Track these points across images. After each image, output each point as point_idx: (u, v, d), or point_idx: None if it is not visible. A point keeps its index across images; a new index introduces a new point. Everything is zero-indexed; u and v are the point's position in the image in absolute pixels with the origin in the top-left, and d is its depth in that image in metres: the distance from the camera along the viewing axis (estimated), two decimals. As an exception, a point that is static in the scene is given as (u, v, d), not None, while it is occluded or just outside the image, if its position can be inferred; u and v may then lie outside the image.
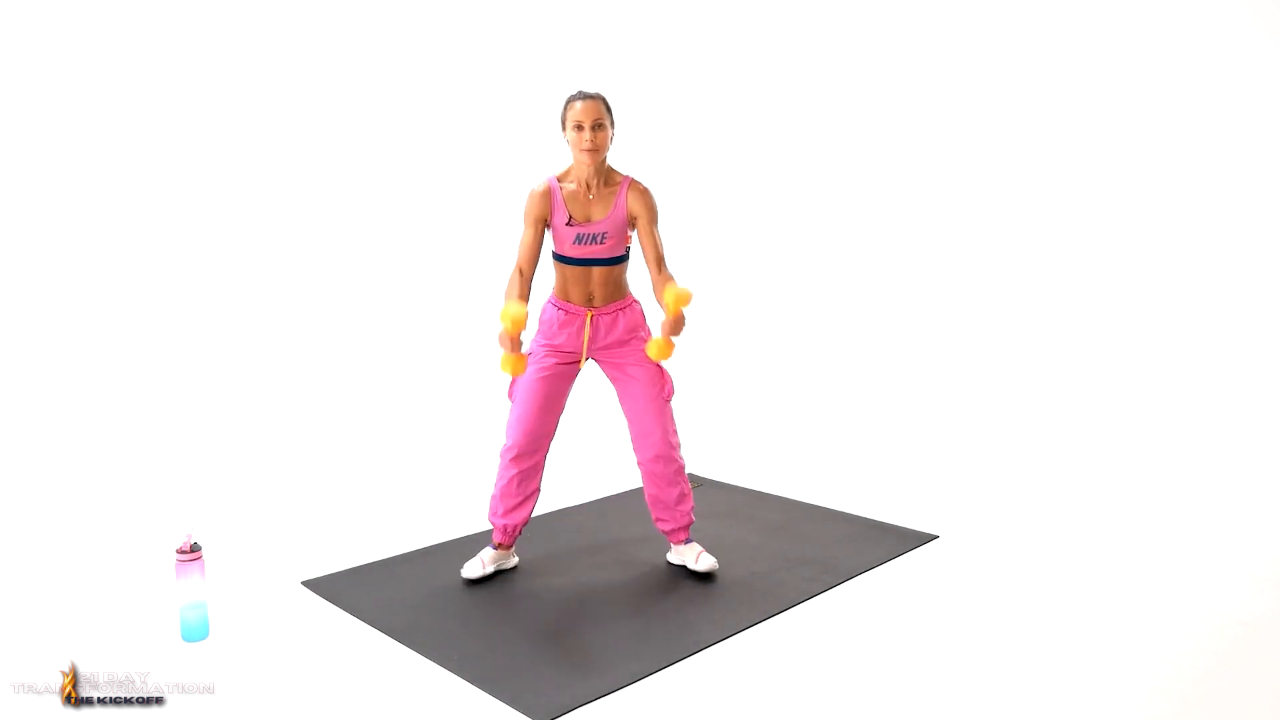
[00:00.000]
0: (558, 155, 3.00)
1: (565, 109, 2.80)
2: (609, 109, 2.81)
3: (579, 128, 2.75)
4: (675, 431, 2.95)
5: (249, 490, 3.89)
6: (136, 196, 4.41)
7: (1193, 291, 4.10)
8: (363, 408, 4.90)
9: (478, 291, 5.34)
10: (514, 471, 2.90)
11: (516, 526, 2.97)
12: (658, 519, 3.01)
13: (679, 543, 3.02)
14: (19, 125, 4.10)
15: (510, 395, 2.93)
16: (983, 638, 2.53)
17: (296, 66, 4.82)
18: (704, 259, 5.73)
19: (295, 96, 4.83)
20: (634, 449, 2.95)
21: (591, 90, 2.81)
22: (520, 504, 2.95)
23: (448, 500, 3.68)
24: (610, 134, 2.80)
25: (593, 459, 4.19)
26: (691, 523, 3.01)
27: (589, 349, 2.90)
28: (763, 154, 5.46)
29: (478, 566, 2.96)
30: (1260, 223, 3.91)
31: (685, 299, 2.65)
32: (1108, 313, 4.31)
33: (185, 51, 4.48)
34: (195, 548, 2.55)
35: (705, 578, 2.95)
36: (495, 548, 3.00)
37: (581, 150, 2.76)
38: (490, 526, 3.11)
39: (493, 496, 2.97)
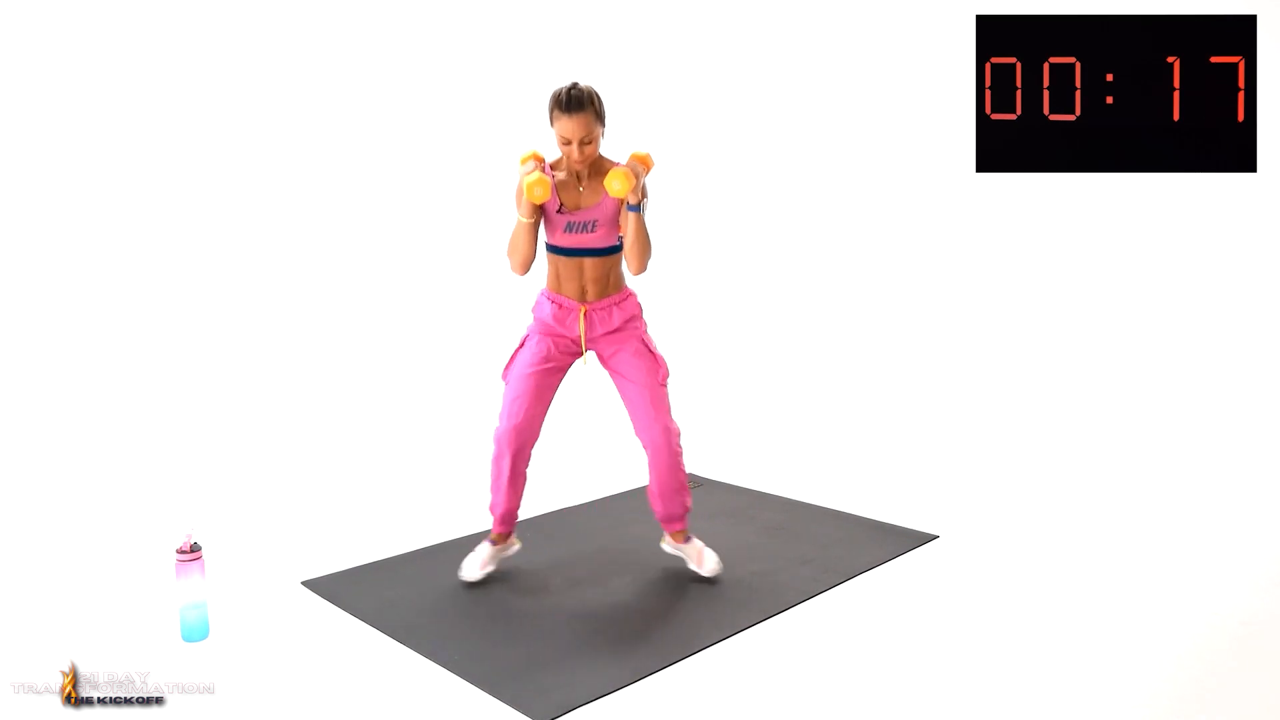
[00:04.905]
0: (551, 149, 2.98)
1: (551, 113, 2.67)
2: (598, 112, 2.67)
3: (567, 143, 2.67)
4: (672, 417, 2.88)
5: (249, 490, 3.89)
6: (136, 198, 4.41)
7: (1193, 292, 4.09)
8: (362, 408, 4.90)
9: (476, 291, 5.35)
10: (509, 453, 2.85)
11: (514, 512, 2.95)
12: (655, 508, 2.96)
13: (679, 540, 2.99)
14: (19, 126, 4.10)
15: (504, 376, 2.90)
16: (983, 638, 2.53)
17: (294, 66, 4.82)
18: (704, 258, 5.73)
19: (291, 96, 4.83)
20: (636, 435, 2.91)
21: (579, 93, 2.63)
22: (516, 488, 2.91)
23: (448, 500, 3.68)
24: (600, 136, 2.71)
25: (593, 459, 4.19)
26: (688, 511, 2.97)
27: (586, 342, 2.87)
28: (763, 153, 5.45)
29: (476, 568, 2.93)
30: (1261, 223, 3.91)
31: (644, 159, 2.74)
32: (1108, 312, 4.31)
33: (185, 52, 4.48)
34: (195, 548, 2.55)
35: (706, 577, 2.94)
36: (492, 543, 2.97)
37: (572, 163, 2.73)
38: (489, 525, 3.06)
39: (491, 488, 2.93)
